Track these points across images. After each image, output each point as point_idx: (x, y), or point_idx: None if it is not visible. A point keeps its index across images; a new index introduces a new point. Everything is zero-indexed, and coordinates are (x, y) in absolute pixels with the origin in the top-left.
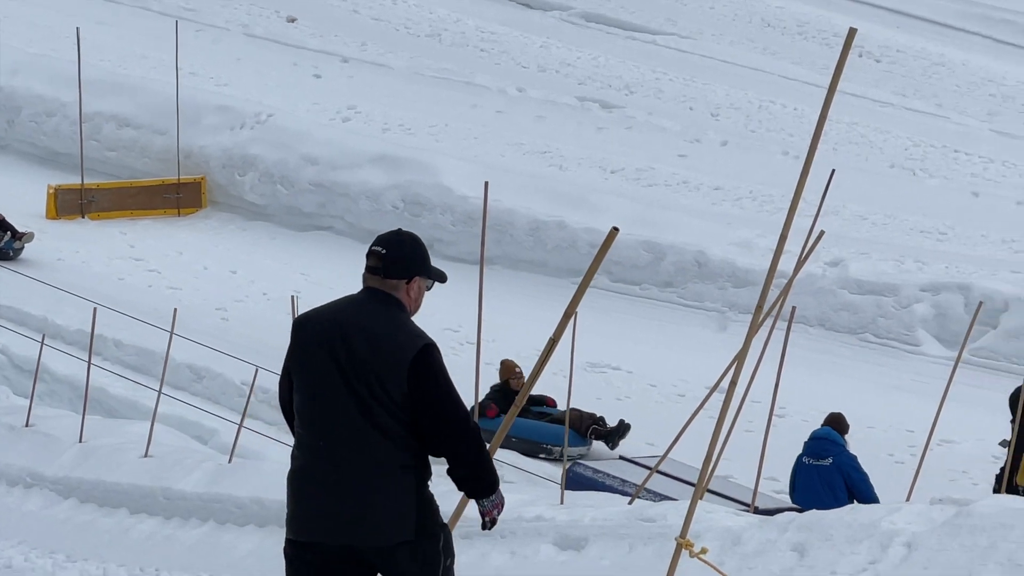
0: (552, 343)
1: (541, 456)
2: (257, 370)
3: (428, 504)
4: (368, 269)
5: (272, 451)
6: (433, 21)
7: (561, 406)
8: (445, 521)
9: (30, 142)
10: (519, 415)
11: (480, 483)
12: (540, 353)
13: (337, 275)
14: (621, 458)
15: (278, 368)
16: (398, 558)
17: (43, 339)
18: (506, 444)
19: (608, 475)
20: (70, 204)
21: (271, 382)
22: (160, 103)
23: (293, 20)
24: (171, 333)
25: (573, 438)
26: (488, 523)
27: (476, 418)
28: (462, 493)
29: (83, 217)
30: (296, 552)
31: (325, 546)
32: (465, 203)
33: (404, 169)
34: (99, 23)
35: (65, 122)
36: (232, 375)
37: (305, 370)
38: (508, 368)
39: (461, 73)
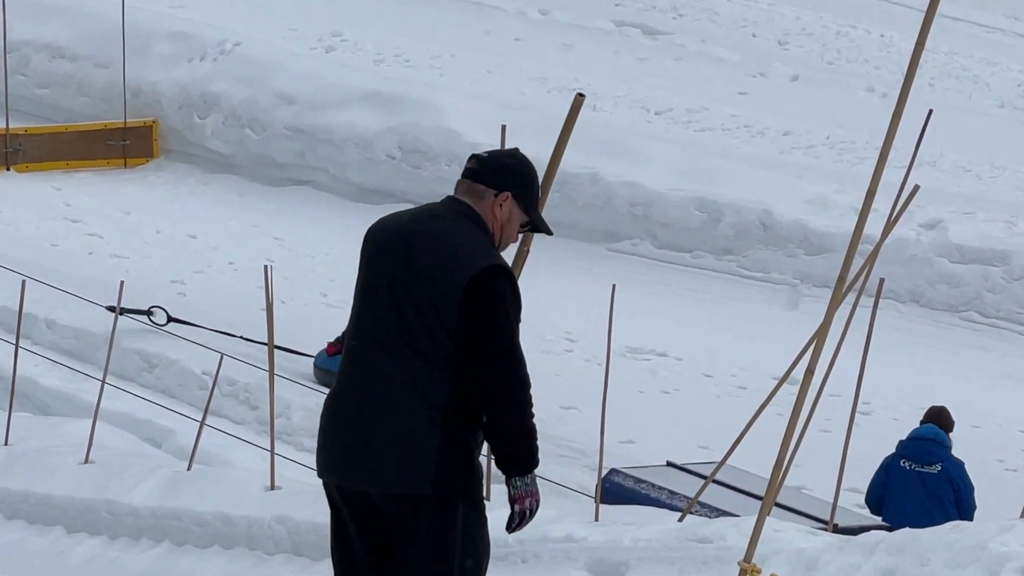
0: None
1: None
2: (222, 357)
3: (459, 459)
4: (463, 173)
5: (240, 455)
6: None
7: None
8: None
9: None
10: None
11: (514, 448)
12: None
13: (319, 239)
14: (669, 464)
15: (247, 353)
16: (408, 516)
17: None
18: None
19: (653, 485)
20: None
21: (237, 371)
22: (102, 29)
23: None
24: (116, 311)
25: None
26: (516, 515)
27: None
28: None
29: (7, 169)
30: (326, 493)
31: (344, 488)
32: (475, 151)
33: (401, 110)
34: None
35: None
36: (191, 363)
37: (360, 283)
38: None
39: None
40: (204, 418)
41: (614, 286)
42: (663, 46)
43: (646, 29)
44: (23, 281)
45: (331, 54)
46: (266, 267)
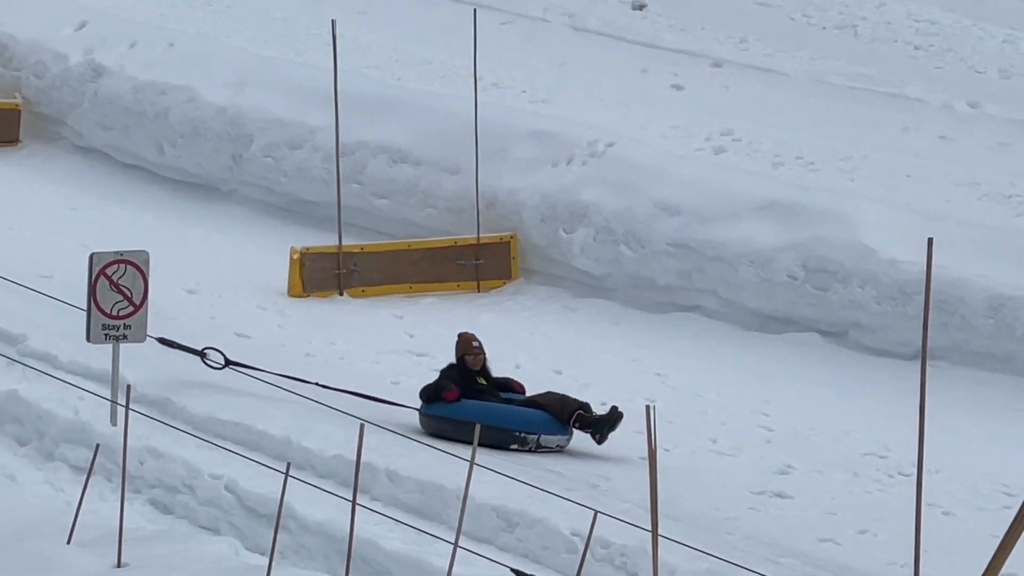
0: None
1: (513, 447)
2: (596, 515)
3: None
4: None
5: None
6: (845, 6)
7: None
8: None
9: (265, 186)
10: (481, 399)
11: None
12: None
13: (709, 375)
14: None
15: (623, 510)
16: None
17: (287, 470)
18: (466, 435)
19: None
20: (322, 275)
21: (613, 532)
22: (450, 129)
23: (642, 7)
24: (471, 462)
25: (552, 425)
26: None
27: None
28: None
29: (340, 294)
30: None
31: None
32: (895, 270)
33: (804, 221)
34: (361, 13)
35: (315, 157)
36: (558, 521)
37: None
38: (465, 342)
39: (886, 81)
40: None
41: None
42: None
43: None
44: (361, 425)
45: (721, 156)
46: (648, 408)
